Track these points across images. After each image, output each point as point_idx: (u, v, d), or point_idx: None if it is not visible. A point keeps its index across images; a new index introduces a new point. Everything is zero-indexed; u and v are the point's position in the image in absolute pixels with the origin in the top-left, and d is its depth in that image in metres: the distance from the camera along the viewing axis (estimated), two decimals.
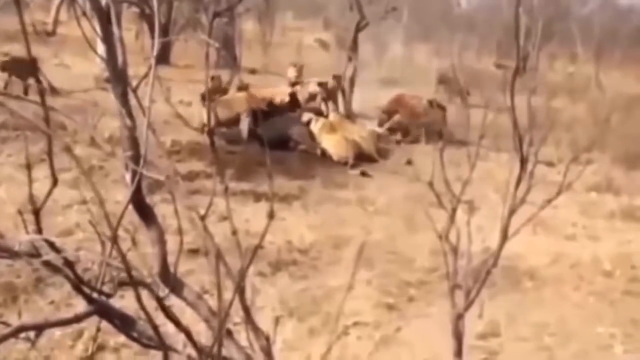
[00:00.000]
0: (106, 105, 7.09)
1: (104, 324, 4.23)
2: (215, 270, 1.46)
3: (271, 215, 1.58)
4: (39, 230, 1.63)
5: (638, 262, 6.03)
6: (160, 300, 1.57)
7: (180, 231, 1.78)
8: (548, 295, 5.35)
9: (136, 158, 1.75)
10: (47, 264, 1.61)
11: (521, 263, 5.75)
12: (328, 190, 7.54)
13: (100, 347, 4.10)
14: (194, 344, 1.61)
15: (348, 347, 4.21)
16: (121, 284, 1.69)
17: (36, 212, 1.63)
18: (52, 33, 15.57)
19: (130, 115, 1.74)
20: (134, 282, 1.48)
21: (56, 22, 15.45)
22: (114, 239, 1.48)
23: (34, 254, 1.61)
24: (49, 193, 1.68)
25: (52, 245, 1.66)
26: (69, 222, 5.67)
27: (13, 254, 1.63)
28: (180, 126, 9.06)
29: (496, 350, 4.48)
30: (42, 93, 1.65)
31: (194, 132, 8.76)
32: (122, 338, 4.10)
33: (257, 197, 6.99)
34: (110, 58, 1.79)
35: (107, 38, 1.80)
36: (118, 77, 1.76)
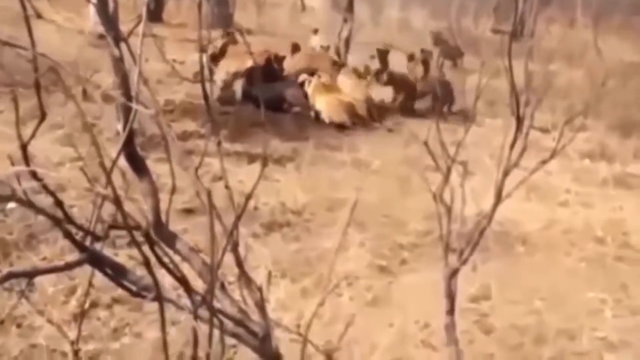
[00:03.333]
0: (99, 62, 6.99)
1: (97, 281, 4.24)
2: (209, 215, 1.44)
3: (264, 163, 1.55)
4: (27, 164, 1.60)
5: (629, 228, 6.07)
6: (153, 246, 1.55)
7: (172, 181, 1.75)
8: (540, 261, 5.39)
9: (127, 104, 1.72)
10: (32, 205, 1.57)
11: (514, 228, 5.78)
12: (322, 152, 7.50)
13: (94, 304, 4.12)
14: (188, 290, 1.59)
15: (341, 308, 4.24)
16: (112, 227, 1.67)
17: (23, 147, 1.59)
18: None
19: (121, 59, 1.70)
20: (127, 225, 1.46)
21: None
22: (108, 178, 1.45)
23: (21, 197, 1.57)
24: (38, 125, 1.64)
25: (36, 176, 1.62)
26: (62, 179, 5.62)
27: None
28: (174, 85, 8.97)
29: (487, 312, 4.52)
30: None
31: (187, 91, 8.66)
32: (115, 294, 4.13)
33: (251, 158, 6.95)
34: (102, 5, 1.74)
35: None
36: (109, 23, 1.72)
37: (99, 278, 4.06)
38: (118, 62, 1.76)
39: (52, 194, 1.64)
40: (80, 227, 1.64)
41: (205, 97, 1.92)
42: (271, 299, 4.18)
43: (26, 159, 1.61)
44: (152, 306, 3.87)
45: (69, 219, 1.62)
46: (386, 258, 5.09)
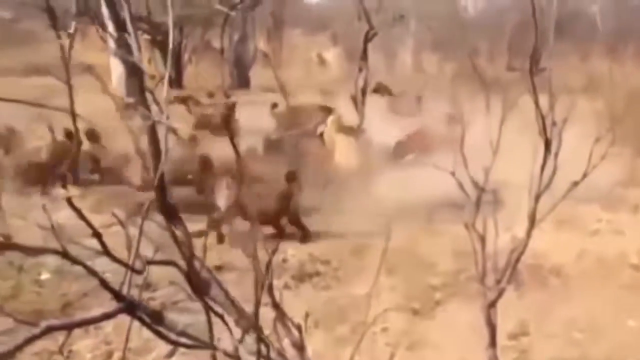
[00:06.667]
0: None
1: (132, 344, 4.25)
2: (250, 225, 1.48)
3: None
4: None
5: None
6: (191, 281, 1.59)
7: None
8: (576, 292, 5.28)
9: (156, 153, 1.79)
10: (70, 257, 1.62)
11: (546, 261, 5.70)
12: (344, 200, 7.52)
13: None
14: (240, 311, 1.62)
15: (376, 354, 4.19)
16: (150, 263, 1.71)
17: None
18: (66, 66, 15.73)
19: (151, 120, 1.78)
20: (167, 260, 1.49)
21: (70, 53, 15.64)
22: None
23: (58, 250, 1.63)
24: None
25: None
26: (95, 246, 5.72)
27: (36, 251, 1.65)
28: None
29: (526, 349, 4.44)
30: None
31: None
32: (153, 355, 4.17)
33: None
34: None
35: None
36: (133, 71, 1.81)
37: (134, 341, 4.12)
38: (149, 122, 1.85)
39: (89, 224, 1.69)
40: (119, 261, 1.69)
41: (236, 151, 1.97)
42: (308, 349, 4.16)
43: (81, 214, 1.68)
44: None
45: (108, 253, 1.67)
46: (419, 300, 5.05)
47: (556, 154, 2.38)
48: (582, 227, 6.61)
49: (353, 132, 9.33)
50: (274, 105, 10.51)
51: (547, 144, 2.28)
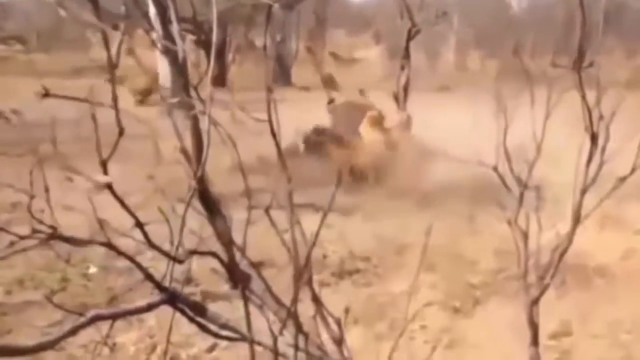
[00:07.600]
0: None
1: (175, 337, 4.33)
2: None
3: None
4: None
5: None
6: (232, 271, 1.62)
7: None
8: (621, 292, 5.16)
9: (199, 147, 1.84)
10: (114, 248, 1.68)
11: (590, 260, 5.58)
12: (385, 198, 7.52)
13: None
14: (278, 302, 1.65)
15: (415, 351, 4.18)
16: (193, 253, 1.76)
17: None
18: (115, 66, 16.09)
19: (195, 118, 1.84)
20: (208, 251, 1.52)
21: (119, 55, 16.00)
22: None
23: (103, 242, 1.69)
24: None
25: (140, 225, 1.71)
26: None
27: (83, 243, 1.71)
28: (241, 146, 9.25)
29: (569, 349, 4.36)
30: None
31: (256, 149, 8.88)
32: (194, 349, 4.25)
33: (316, 209, 7.01)
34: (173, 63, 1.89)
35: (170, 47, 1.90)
36: (180, 71, 1.87)
37: (175, 336, 4.20)
38: (193, 118, 1.89)
39: (131, 213, 1.74)
40: (162, 251, 1.74)
41: (279, 150, 1.98)
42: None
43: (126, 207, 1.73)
44: None
45: (150, 243, 1.72)
46: (459, 299, 5.01)
47: (603, 148, 2.31)
48: (627, 226, 6.44)
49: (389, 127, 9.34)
50: (331, 100, 10.49)
51: (594, 138, 2.22)
